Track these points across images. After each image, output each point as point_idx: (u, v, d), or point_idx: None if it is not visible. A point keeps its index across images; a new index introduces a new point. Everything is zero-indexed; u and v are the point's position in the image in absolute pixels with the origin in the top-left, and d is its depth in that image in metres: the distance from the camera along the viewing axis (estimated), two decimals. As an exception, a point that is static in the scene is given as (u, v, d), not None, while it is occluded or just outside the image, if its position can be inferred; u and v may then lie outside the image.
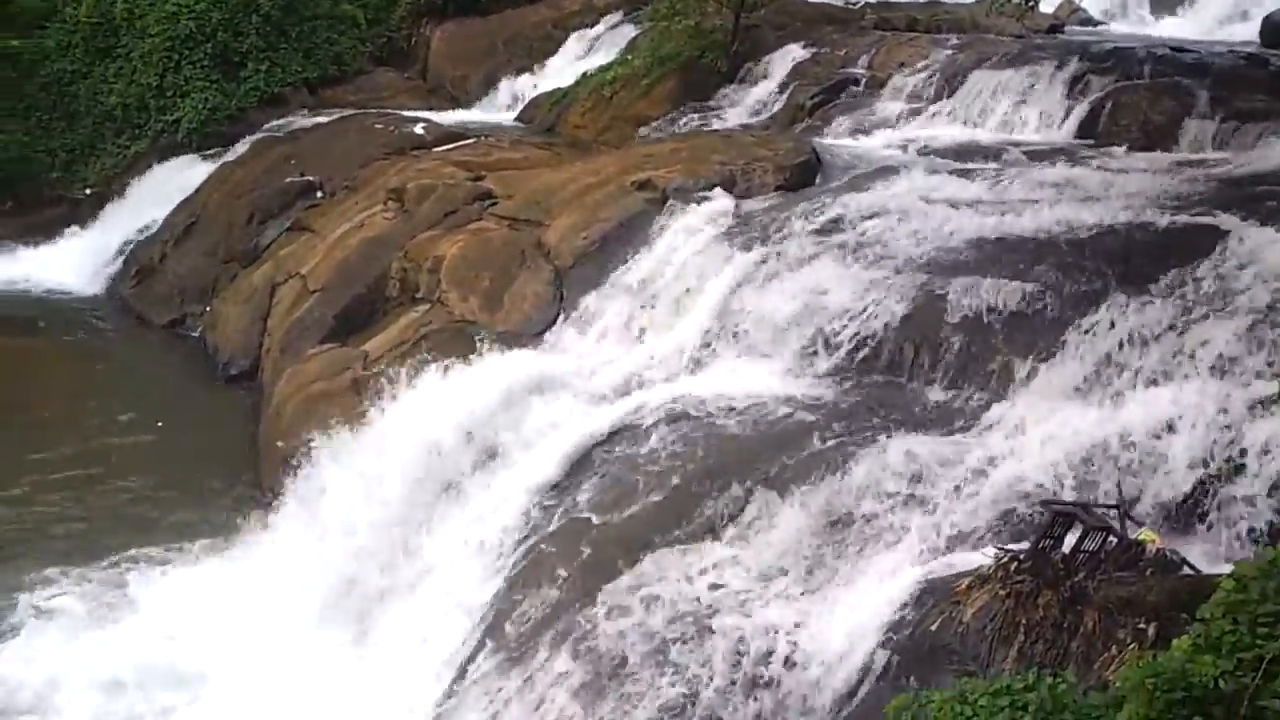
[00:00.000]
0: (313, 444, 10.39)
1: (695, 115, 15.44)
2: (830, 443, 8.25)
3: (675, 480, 8.45)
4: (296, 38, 19.11)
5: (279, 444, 11.28)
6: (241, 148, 17.48)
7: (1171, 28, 16.71)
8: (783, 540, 7.75)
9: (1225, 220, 9.16)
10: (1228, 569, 5.41)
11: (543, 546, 8.48)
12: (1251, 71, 12.75)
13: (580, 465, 8.92)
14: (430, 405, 9.90)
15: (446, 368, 10.19)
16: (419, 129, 16.44)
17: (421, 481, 9.57)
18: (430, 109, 18.29)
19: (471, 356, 10.32)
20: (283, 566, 9.76)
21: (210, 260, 15.83)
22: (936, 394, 8.56)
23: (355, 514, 9.61)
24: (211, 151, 17.85)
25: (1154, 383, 7.80)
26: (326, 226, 14.20)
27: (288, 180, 16.06)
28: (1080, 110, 12.74)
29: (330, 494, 9.93)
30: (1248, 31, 15.39)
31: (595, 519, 8.43)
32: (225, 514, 10.99)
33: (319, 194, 15.61)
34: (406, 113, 17.60)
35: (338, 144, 16.40)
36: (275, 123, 17.99)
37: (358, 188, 14.73)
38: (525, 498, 8.87)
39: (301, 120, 17.94)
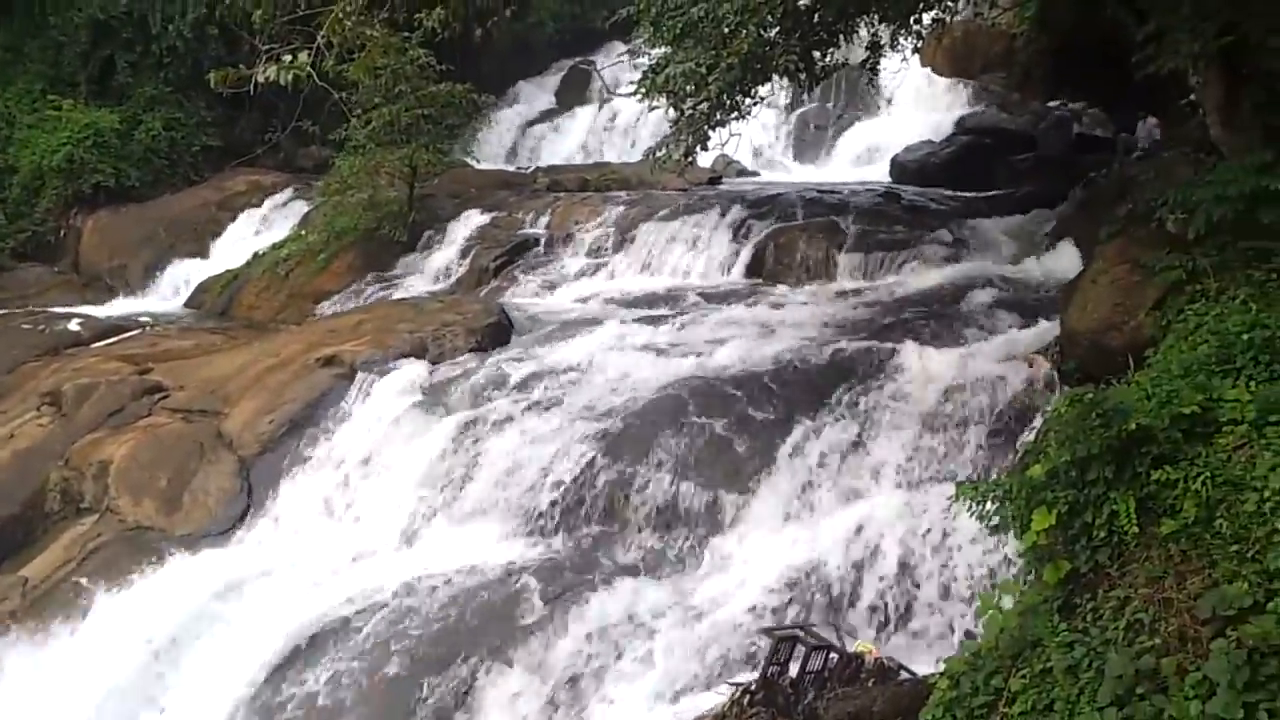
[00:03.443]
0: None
1: (378, 286, 15.16)
2: (552, 604, 7.99)
3: (395, 670, 7.85)
4: (-79, 238, 17.37)
5: (-82, 701, 9.59)
6: None
7: (814, 173, 18.40)
8: (516, 714, 7.36)
9: (886, 340, 9.94)
10: (941, 668, 5.61)
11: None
12: (887, 207, 14.13)
13: (282, 673, 8.09)
14: (103, 630, 8.77)
15: (119, 585, 9.12)
16: (74, 325, 15.10)
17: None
18: (86, 303, 16.94)
19: (148, 568, 9.30)
20: None
21: None
22: (651, 539, 8.55)
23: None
24: None
25: (851, 498, 8.19)
26: (-32, 442, 12.60)
27: (-82, 395, 14.23)
28: (746, 253, 13.56)
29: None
30: (879, 172, 17.19)
31: (305, 732, 7.66)
32: None
33: (-43, 407, 13.91)
34: (59, 309, 16.18)
35: (-23, 349, 14.77)
36: (-102, 334, 16.06)
37: (4, 395, 13.19)
38: None
39: (-68, 327, 16.11)
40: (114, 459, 10.88)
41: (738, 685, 6.65)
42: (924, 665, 6.70)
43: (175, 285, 17.75)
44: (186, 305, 17.01)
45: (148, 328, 15.16)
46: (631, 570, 8.27)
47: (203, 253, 18.21)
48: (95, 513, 10.58)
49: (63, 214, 19.06)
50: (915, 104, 18.88)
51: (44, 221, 18.98)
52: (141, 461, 10.80)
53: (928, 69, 19.13)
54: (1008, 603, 5.44)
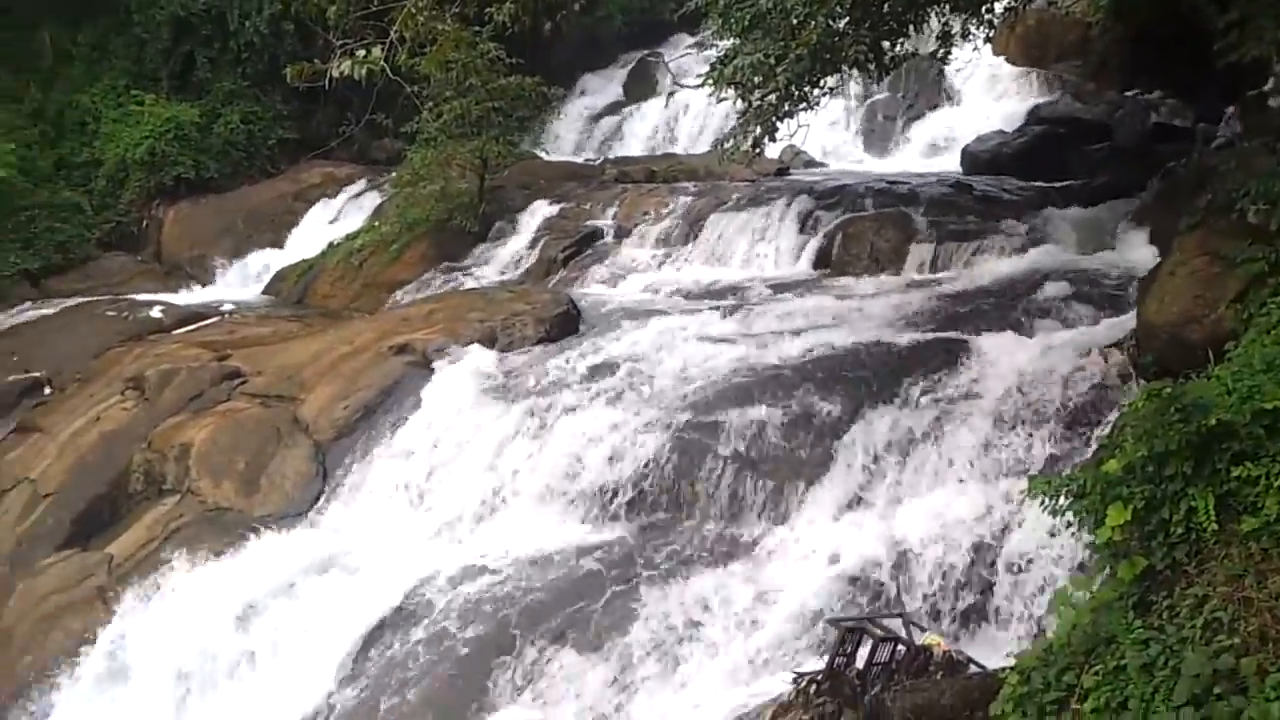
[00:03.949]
0: (53, 671, 9.25)
1: (449, 276, 15.38)
2: (619, 589, 8.10)
3: (464, 651, 8.02)
4: (13, 228, 17.89)
5: (9, 675, 9.97)
6: (-45, 348, 15.98)
7: (884, 163, 18.21)
8: (583, 696, 7.47)
9: (957, 332, 9.85)
10: (1011, 662, 5.57)
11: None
12: (958, 197, 13.97)
13: (361, 654, 8.28)
14: (186, 608, 9.05)
15: (201, 563, 9.40)
16: (156, 312, 15.55)
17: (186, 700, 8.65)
18: (168, 291, 17.44)
19: (230, 547, 9.57)
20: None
21: (-80, 478, 14.16)
22: (717, 526, 8.60)
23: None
24: (-83, 356, 16.23)
25: (920, 490, 8.15)
26: (57, 424, 13.01)
27: (10, 379, 14.70)
28: (814, 243, 13.51)
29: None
30: (950, 162, 16.97)
31: (383, 708, 7.83)
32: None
33: (47, 390, 14.35)
34: (142, 297, 16.66)
35: (66, 335, 15.26)
36: (-7, 318, 16.68)
37: (91, 380, 13.67)
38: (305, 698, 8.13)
39: (24, 313, 16.66)
40: (194, 442, 11.19)
41: (803, 675, 6.65)
42: (993, 659, 6.66)
43: (253, 274, 18.18)
44: (264, 294, 17.41)
45: (226, 315, 15.55)
46: (697, 557, 8.30)
47: (279, 243, 18.62)
48: (177, 494, 10.90)
49: (145, 205, 19.62)
50: (987, 93, 18.60)
51: (128, 212, 19.56)
52: (221, 445, 11.10)
53: (1000, 58, 18.83)
54: (1081, 598, 5.39)
